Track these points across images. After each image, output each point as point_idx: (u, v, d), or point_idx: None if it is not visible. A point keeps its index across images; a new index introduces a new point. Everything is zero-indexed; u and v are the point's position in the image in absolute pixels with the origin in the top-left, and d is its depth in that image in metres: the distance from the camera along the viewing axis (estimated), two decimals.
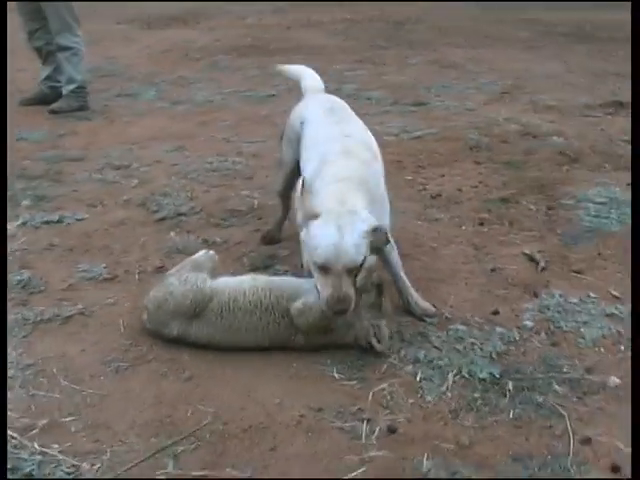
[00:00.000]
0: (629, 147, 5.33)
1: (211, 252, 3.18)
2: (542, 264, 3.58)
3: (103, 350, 2.88)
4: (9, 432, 2.34)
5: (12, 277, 3.43)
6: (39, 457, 2.24)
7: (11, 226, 4.05)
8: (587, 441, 2.33)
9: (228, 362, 2.78)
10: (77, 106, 6.78)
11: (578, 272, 3.51)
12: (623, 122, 6.10)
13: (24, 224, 4.10)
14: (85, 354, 2.86)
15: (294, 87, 7.46)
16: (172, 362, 2.79)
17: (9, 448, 2.27)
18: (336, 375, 2.71)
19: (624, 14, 13.88)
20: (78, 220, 4.18)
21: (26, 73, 7.98)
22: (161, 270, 3.52)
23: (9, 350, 2.84)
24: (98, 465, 2.22)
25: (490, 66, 8.82)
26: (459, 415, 2.48)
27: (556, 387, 2.61)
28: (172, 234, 4.01)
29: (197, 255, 3.14)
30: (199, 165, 5.19)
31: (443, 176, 5.00)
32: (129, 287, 3.40)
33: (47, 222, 4.13)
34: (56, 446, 2.30)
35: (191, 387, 2.65)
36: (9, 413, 2.44)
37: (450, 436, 2.37)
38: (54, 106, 6.73)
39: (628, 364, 2.72)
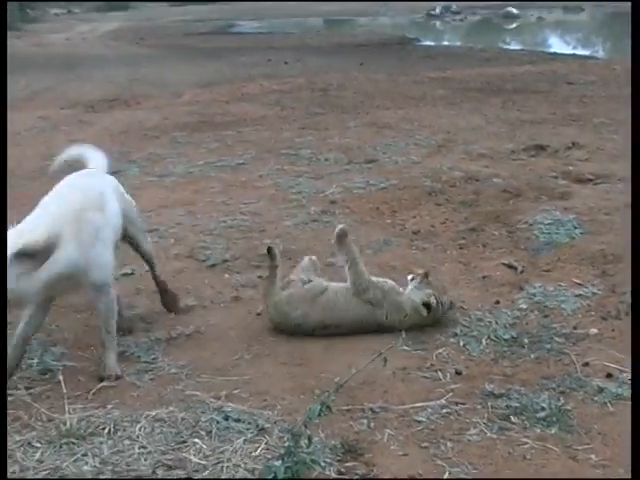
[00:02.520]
0: (558, 181, 6.75)
1: (313, 257, 4.39)
2: (520, 269, 4.85)
3: (229, 352, 3.96)
4: (207, 398, 3.42)
5: (127, 312, 4.46)
6: (238, 410, 3.32)
7: None
8: (586, 364, 3.60)
9: (325, 351, 3.92)
10: None
11: (547, 271, 4.80)
12: (546, 162, 7.54)
13: None
14: (217, 356, 3.94)
15: (258, 156, 8.67)
16: (286, 355, 3.90)
17: (210, 409, 3.35)
18: (406, 348, 3.88)
19: (515, 68, 15.72)
20: (147, 272, 5.19)
21: None
22: (238, 299, 4.64)
23: (160, 357, 3.91)
24: (276, 412, 3.32)
25: (420, 124, 10.13)
26: (498, 361, 3.71)
27: (556, 339, 3.89)
28: (226, 275, 5.11)
29: (303, 262, 4.36)
30: (216, 224, 6.22)
31: (415, 217, 6.23)
32: (220, 312, 4.49)
33: (124, 274, 5.12)
34: (241, 405, 3.39)
35: (307, 368, 3.76)
36: (196, 392, 3.51)
37: (497, 372, 3.59)
38: None
39: (600, 322, 4.05)
